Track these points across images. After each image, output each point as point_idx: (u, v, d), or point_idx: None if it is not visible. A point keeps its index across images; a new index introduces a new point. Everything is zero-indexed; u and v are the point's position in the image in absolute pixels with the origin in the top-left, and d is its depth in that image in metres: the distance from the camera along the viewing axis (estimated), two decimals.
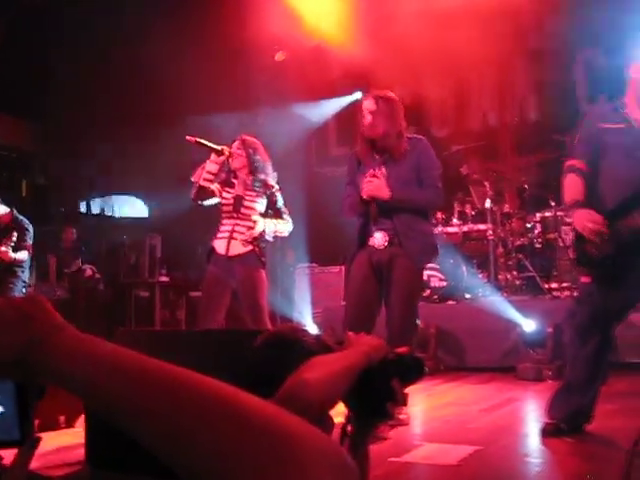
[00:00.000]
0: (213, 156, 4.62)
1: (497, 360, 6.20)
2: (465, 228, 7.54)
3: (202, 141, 4.57)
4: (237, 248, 4.65)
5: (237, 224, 4.70)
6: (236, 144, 4.79)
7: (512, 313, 6.11)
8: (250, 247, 4.64)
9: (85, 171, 10.60)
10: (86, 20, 7.96)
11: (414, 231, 4.03)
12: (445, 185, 8.14)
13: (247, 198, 4.72)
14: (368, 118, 4.02)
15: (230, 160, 4.72)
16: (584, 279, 3.51)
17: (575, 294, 3.67)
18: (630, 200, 3.26)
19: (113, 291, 9.62)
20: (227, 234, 4.69)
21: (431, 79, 9.27)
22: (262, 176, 4.76)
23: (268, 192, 4.77)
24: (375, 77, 8.39)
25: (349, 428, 1.62)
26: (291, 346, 1.65)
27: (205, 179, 4.61)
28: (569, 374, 3.57)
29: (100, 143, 9.71)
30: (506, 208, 7.70)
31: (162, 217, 9.10)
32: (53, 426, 3.96)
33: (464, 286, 7.06)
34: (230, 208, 4.72)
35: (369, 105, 4.05)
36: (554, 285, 6.95)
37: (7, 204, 6.81)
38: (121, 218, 11.32)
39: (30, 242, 6.80)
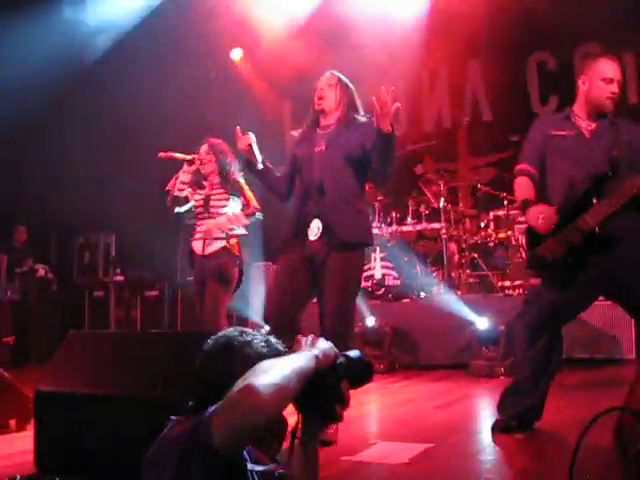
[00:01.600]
0: (185, 166, 4.81)
1: (451, 358, 6.28)
2: (419, 227, 7.61)
3: (174, 155, 4.71)
4: (212, 246, 4.82)
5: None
6: (204, 149, 4.96)
7: (465, 311, 6.20)
8: (224, 243, 4.80)
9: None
10: None
11: (348, 206, 3.71)
12: (399, 184, 8.32)
13: (215, 197, 4.92)
14: (323, 90, 3.86)
15: (201, 167, 4.90)
16: (533, 280, 3.57)
17: (525, 294, 3.72)
18: (580, 201, 3.35)
19: (67, 291, 9.48)
20: (202, 234, 4.86)
21: (384, 79, 9.34)
22: (232, 176, 4.92)
23: (238, 189, 4.93)
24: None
25: (298, 430, 1.63)
26: (240, 349, 1.66)
27: (179, 189, 4.82)
28: (518, 372, 3.64)
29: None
30: (460, 207, 7.80)
31: (116, 214, 9.00)
32: (4, 430, 3.92)
33: (418, 284, 7.13)
34: (201, 209, 4.92)
35: (328, 78, 3.89)
36: (507, 283, 7.05)
37: None
38: None
39: None
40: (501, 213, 7.39)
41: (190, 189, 4.89)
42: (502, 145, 7.54)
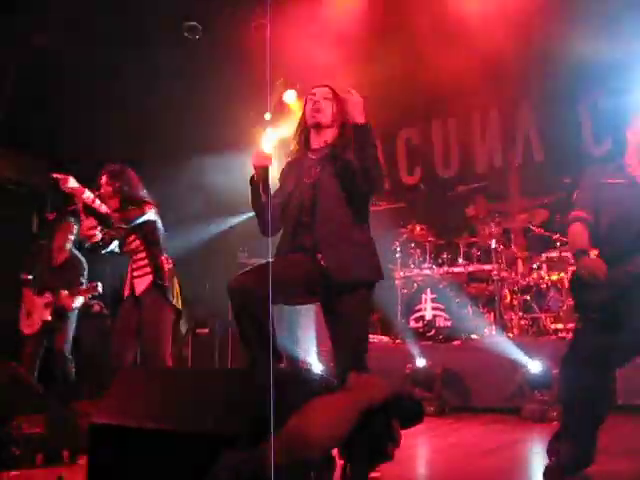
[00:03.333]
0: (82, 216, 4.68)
1: (502, 401, 6.17)
2: (471, 268, 7.56)
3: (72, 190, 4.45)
4: (140, 285, 4.73)
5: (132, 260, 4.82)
6: (103, 179, 4.80)
7: (517, 354, 6.10)
8: (150, 278, 4.70)
9: None
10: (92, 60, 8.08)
11: (343, 241, 3.42)
12: (451, 225, 8.30)
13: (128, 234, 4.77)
14: (320, 102, 3.57)
15: (100, 202, 4.73)
16: (579, 324, 3.56)
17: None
18: (631, 246, 3.35)
19: None
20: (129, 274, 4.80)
21: (436, 120, 9.38)
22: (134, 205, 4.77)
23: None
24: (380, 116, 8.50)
25: (348, 469, 1.64)
26: (293, 385, 1.68)
27: (90, 235, 4.66)
28: (565, 417, 3.57)
29: None
30: (512, 248, 7.73)
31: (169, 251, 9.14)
32: (57, 461, 3.98)
33: (469, 326, 7.06)
34: (123, 249, 4.81)
35: (324, 91, 3.61)
36: (560, 326, 6.94)
37: (20, 239, 6.80)
38: None
39: (85, 286, 6.64)
40: (554, 255, 7.29)
41: (100, 231, 4.72)
42: (554, 186, 7.48)
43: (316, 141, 3.60)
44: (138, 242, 4.79)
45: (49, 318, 6.44)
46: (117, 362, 4.59)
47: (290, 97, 9.33)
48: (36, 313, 6.51)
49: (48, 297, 6.46)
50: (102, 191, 4.79)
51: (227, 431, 2.10)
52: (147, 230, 4.79)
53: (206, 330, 9.05)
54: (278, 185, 3.67)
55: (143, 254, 4.79)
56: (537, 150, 8.70)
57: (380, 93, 8.05)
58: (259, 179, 3.47)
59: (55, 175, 4.65)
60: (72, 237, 6.76)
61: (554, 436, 3.56)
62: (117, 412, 2.89)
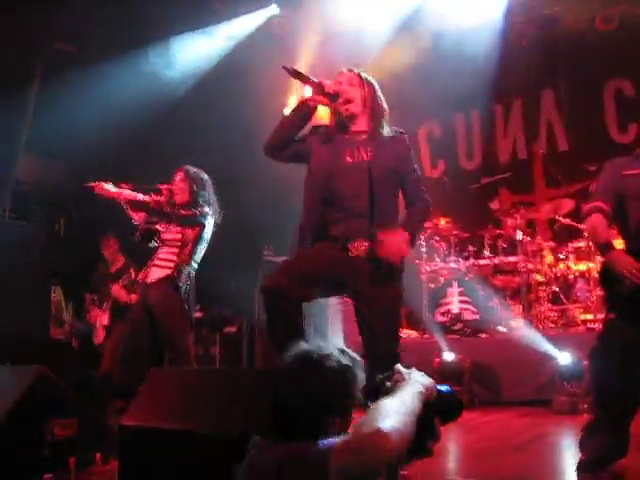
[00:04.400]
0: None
1: (532, 393, 6.13)
2: (496, 260, 7.51)
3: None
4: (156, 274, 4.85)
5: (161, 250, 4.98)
6: (179, 177, 4.96)
7: (547, 346, 6.05)
8: (168, 272, 4.81)
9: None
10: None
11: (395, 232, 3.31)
12: (475, 217, 8.24)
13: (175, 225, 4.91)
14: (348, 92, 3.45)
15: (172, 195, 4.92)
16: (609, 315, 3.50)
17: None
18: None
19: None
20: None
21: (458, 111, 9.32)
22: (202, 209, 4.91)
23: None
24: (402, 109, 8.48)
25: None
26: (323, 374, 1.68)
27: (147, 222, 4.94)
28: (595, 410, 3.54)
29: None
30: (538, 239, 7.66)
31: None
32: (90, 463, 4.02)
33: (497, 319, 7.02)
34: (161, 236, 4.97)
35: (349, 77, 3.50)
36: (589, 317, 6.87)
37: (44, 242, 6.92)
38: None
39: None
40: (581, 244, 7.22)
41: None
42: (580, 175, 7.41)
43: (352, 125, 3.48)
44: (178, 237, 4.89)
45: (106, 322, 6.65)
46: (133, 360, 4.67)
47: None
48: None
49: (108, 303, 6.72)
50: (174, 186, 4.95)
51: (252, 432, 2.11)
52: (192, 230, 4.89)
53: (233, 329, 9.07)
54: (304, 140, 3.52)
55: (175, 250, 4.86)
56: (561, 139, 8.61)
57: (401, 85, 8.07)
58: (312, 109, 3.45)
59: (89, 185, 4.83)
60: (117, 247, 6.93)
61: (585, 429, 3.52)
62: (147, 413, 2.92)
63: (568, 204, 7.64)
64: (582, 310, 7.04)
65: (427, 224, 7.99)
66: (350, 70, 3.53)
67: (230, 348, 8.91)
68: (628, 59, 7.51)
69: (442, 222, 7.99)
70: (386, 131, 3.48)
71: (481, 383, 6.42)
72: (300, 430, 1.59)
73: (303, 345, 1.75)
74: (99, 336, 7.00)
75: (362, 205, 3.32)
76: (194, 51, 8.94)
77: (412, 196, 3.51)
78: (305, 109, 3.45)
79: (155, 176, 5.21)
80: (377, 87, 3.52)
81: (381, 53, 8.30)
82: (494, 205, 8.08)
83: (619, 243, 3.54)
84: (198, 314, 9.43)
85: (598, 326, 6.63)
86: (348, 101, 3.42)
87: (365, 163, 3.36)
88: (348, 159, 3.39)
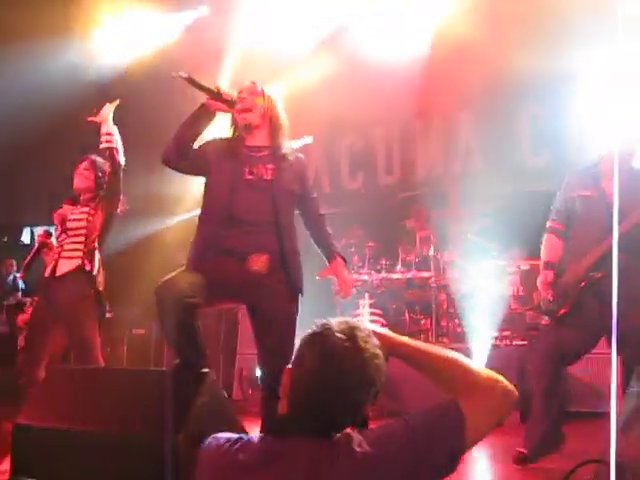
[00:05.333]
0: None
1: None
2: (409, 275, 7.62)
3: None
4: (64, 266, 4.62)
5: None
6: (83, 166, 4.77)
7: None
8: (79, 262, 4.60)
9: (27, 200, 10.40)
10: None
11: (296, 252, 3.41)
12: (390, 231, 8.35)
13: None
14: (247, 100, 3.38)
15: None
16: (543, 322, 4.36)
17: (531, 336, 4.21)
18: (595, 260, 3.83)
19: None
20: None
21: (378, 126, 9.44)
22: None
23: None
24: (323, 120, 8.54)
25: None
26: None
27: None
28: (532, 406, 3.99)
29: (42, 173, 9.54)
30: (450, 256, 7.82)
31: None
32: None
33: (406, 333, 7.11)
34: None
35: (250, 87, 3.45)
36: (495, 334, 7.04)
37: None
38: None
39: None
40: (490, 263, 7.40)
41: None
42: (493, 195, 7.61)
43: (250, 139, 3.43)
44: (82, 224, 4.71)
45: None
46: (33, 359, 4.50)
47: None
48: None
49: None
50: (77, 173, 4.76)
51: (153, 434, 2.07)
52: (98, 217, 4.73)
53: (142, 331, 8.94)
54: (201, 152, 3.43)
55: (81, 238, 4.71)
56: (477, 159, 8.83)
57: (324, 97, 8.12)
58: (210, 115, 3.38)
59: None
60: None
61: (525, 427, 4.05)
62: (42, 413, 2.82)
63: (480, 223, 7.83)
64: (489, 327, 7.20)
65: (342, 235, 8.06)
66: (252, 82, 3.49)
67: (138, 350, 8.78)
68: (542, 85, 7.76)
69: (357, 234, 8.06)
70: (286, 148, 3.45)
71: (389, 394, 6.47)
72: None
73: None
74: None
75: (264, 221, 3.29)
76: (118, 46, 8.74)
77: (315, 215, 3.59)
78: (203, 115, 3.38)
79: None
80: (279, 102, 3.49)
81: (304, 65, 8.35)
82: (408, 224, 8.20)
83: None
84: (107, 314, 9.24)
85: (502, 343, 6.81)
86: (246, 110, 3.36)
87: (266, 182, 3.32)
88: (248, 176, 3.33)
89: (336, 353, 1.53)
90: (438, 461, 1.52)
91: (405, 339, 1.74)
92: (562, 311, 3.95)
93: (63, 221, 4.72)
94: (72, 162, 4.95)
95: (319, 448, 1.48)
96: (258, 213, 3.29)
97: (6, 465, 3.27)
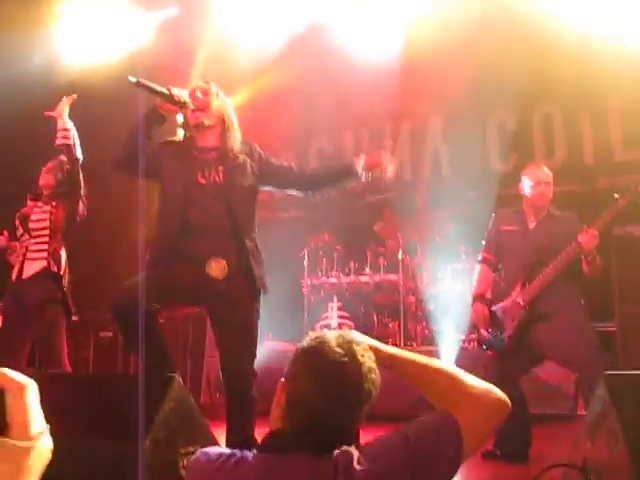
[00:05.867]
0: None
1: (407, 409, 6.23)
2: (377, 278, 7.64)
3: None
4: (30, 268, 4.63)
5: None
6: (50, 162, 4.81)
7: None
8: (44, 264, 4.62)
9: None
10: None
11: (257, 249, 3.40)
12: (359, 234, 8.37)
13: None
14: (200, 99, 3.37)
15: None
16: (489, 353, 4.39)
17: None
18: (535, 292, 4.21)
19: None
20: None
21: (347, 130, 9.45)
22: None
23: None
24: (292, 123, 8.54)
25: None
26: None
27: None
28: None
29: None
30: (418, 259, 7.86)
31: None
32: None
33: (374, 335, 7.11)
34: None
35: (203, 87, 3.44)
36: (462, 336, 7.08)
37: None
38: None
39: None
40: (459, 266, 7.46)
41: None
42: (460, 200, 7.66)
43: (201, 141, 3.42)
44: (46, 224, 4.73)
45: None
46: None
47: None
48: None
49: None
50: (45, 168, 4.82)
51: (122, 439, 2.05)
52: (60, 214, 4.76)
53: (109, 333, 8.83)
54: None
55: (45, 238, 4.67)
56: (445, 164, 8.89)
57: (293, 102, 8.12)
58: (161, 118, 3.34)
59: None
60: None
61: None
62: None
63: (448, 226, 7.88)
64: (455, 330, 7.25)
65: (312, 238, 8.07)
66: (206, 82, 3.49)
67: (105, 353, 8.68)
68: (511, 94, 7.84)
69: (325, 237, 8.07)
70: (238, 147, 3.42)
71: None
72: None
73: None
74: None
75: (220, 225, 3.27)
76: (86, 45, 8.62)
77: (302, 176, 3.63)
78: (154, 118, 3.34)
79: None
80: (230, 104, 3.49)
81: (273, 66, 8.33)
82: (377, 227, 8.22)
83: None
84: (73, 317, 9.13)
85: (470, 345, 6.86)
86: (200, 109, 3.35)
87: (219, 185, 3.30)
88: (201, 179, 3.31)
89: (335, 369, 1.52)
90: (437, 473, 1.51)
91: (396, 350, 1.74)
92: (504, 342, 4.24)
93: (25, 221, 4.66)
94: (40, 162, 4.92)
95: (319, 465, 1.46)
96: (213, 217, 3.27)
97: None
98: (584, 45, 7.02)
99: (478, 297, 4.41)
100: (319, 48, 8.46)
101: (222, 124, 3.39)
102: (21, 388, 0.70)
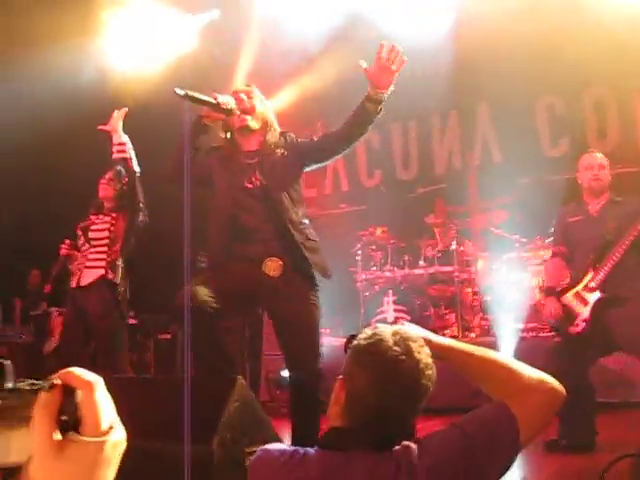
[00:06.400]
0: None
1: (466, 400, 6.18)
2: (431, 270, 7.60)
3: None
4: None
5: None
6: (108, 176, 4.87)
7: None
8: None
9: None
10: None
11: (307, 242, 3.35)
12: (411, 227, 8.33)
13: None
14: (245, 102, 3.38)
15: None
16: (559, 343, 4.43)
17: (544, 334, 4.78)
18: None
19: None
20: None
21: (395, 121, 9.40)
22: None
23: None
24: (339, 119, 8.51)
25: None
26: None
27: None
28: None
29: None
30: (472, 250, 7.79)
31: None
32: None
33: (432, 328, 7.09)
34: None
35: (247, 90, 3.45)
36: (521, 326, 7.00)
37: None
38: None
39: None
40: (513, 255, 7.37)
41: None
42: (512, 187, 7.57)
43: (246, 145, 3.45)
44: (105, 234, 4.85)
45: None
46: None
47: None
48: None
49: None
50: (101, 184, 4.93)
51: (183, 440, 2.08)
52: (120, 225, 4.90)
53: (168, 335, 8.97)
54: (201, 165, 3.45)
55: (104, 248, 4.79)
56: (495, 151, 8.78)
57: (340, 95, 8.10)
58: (207, 128, 3.39)
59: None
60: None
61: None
62: None
63: (501, 215, 7.80)
64: (514, 319, 7.17)
65: (363, 232, 8.06)
66: (249, 84, 3.54)
67: (164, 354, 8.82)
68: (559, 76, 7.71)
69: (378, 231, 8.05)
70: (277, 144, 3.43)
71: None
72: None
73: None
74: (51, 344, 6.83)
75: (267, 226, 3.29)
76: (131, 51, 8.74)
77: (325, 135, 3.57)
78: (199, 128, 3.38)
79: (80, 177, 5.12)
80: (270, 106, 3.53)
81: (319, 62, 8.33)
82: (429, 219, 8.18)
83: None
84: (132, 320, 9.31)
85: (529, 334, 6.78)
86: (246, 111, 3.36)
87: (263, 187, 3.33)
88: (247, 184, 3.35)
89: (393, 367, 1.53)
90: (496, 465, 1.52)
91: (450, 341, 1.74)
92: (573, 330, 4.23)
93: (86, 231, 4.78)
94: (96, 172, 5.02)
95: (380, 461, 1.48)
96: (261, 218, 3.31)
97: None
98: (636, 23, 6.85)
99: (550, 290, 4.46)
100: (363, 38, 8.43)
101: (265, 127, 3.42)
102: (90, 385, 0.74)
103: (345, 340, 1.70)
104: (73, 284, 4.79)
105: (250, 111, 3.37)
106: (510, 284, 7.27)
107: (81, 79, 7.80)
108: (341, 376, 1.61)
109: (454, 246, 7.42)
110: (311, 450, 1.56)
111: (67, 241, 5.02)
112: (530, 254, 7.24)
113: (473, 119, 8.94)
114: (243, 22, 8.38)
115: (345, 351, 1.67)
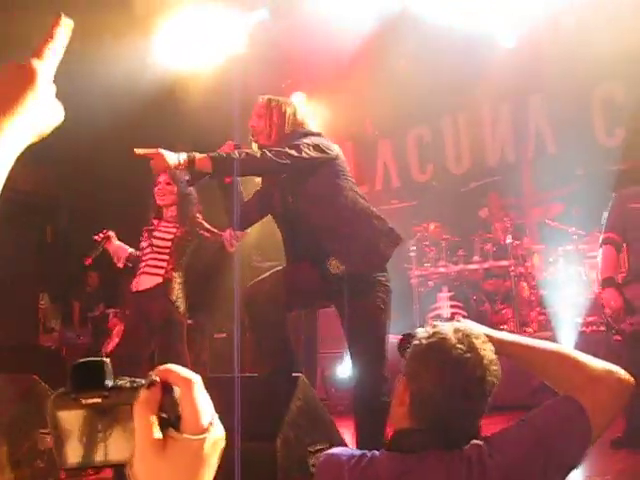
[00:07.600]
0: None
1: (525, 398, 6.11)
2: (486, 265, 7.51)
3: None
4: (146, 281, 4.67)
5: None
6: (163, 179, 4.65)
7: None
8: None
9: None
10: None
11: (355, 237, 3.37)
12: (465, 221, 8.25)
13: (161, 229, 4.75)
14: (253, 121, 3.43)
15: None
16: (616, 337, 4.29)
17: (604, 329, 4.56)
18: None
19: None
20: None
21: (446, 116, 9.31)
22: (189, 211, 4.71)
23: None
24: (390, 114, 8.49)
25: None
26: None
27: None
28: None
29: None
30: (528, 243, 7.68)
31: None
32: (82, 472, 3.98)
33: (489, 323, 7.01)
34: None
35: (256, 108, 3.47)
36: (580, 320, 6.89)
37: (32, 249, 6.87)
38: None
39: None
40: (570, 247, 7.24)
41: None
42: (567, 179, 7.44)
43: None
44: (168, 244, 4.80)
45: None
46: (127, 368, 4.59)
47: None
48: None
49: None
50: (157, 189, 4.77)
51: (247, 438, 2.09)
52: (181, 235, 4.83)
53: (224, 334, 9.04)
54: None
55: (165, 256, 4.79)
56: (549, 142, 8.63)
57: (390, 91, 8.07)
58: (228, 186, 3.39)
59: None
60: None
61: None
62: None
63: (557, 207, 7.67)
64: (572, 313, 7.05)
65: (416, 228, 8.01)
66: (262, 99, 3.48)
67: (221, 354, 8.88)
68: (617, 63, 7.54)
69: (431, 227, 8.00)
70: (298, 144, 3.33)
71: None
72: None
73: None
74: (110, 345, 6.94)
75: (310, 239, 3.29)
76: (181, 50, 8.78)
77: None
78: (227, 190, 3.39)
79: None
80: (286, 111, 3.43)
81: (369, 57, 8.29)
82: (483, 213, 8.09)
83: None
84: (188, 320, 9.40)
85: (588, 329, 6.66)
86: (253, 134, 3.40)
87: (290, 212, 3.34)
88: (276, 205, 3.40)
89: (459, 366, 1.52)
90: (567, 459, 1.50)
91: (514, 337, 1.72)
92: (633, 328, 4.08)
93: (150, 234, 4.77)
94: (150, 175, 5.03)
95: (452, 461, 1.47)
96: (301, 231, 3.34)
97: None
98: None
99: (608, 281, 4.24)
100: (411, 33, 8.37)
101: (276, 138, 3.38)
102: (189, 382, 0.75)
103: (399, 339, 1.67)
104: (133, 287, 4.82)
105: (257, 131, 3.40)
106: (567, 277, 7.15)
107: (130, 77, 7.87)
108: (403, 376, 1.59)
109: (509, 240, 7.32)
110: (377, 453, 1.55)
111: (109, 233, 4.93)
112: (587, 246, 7.10)
113: (525, 110, 8.79)
114: (291, 21, 8.39)
115: (399, 350, 1.65)
